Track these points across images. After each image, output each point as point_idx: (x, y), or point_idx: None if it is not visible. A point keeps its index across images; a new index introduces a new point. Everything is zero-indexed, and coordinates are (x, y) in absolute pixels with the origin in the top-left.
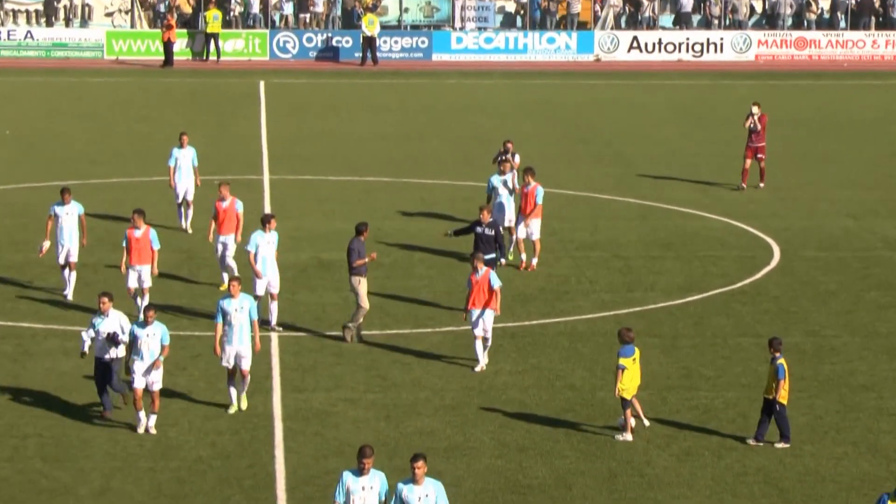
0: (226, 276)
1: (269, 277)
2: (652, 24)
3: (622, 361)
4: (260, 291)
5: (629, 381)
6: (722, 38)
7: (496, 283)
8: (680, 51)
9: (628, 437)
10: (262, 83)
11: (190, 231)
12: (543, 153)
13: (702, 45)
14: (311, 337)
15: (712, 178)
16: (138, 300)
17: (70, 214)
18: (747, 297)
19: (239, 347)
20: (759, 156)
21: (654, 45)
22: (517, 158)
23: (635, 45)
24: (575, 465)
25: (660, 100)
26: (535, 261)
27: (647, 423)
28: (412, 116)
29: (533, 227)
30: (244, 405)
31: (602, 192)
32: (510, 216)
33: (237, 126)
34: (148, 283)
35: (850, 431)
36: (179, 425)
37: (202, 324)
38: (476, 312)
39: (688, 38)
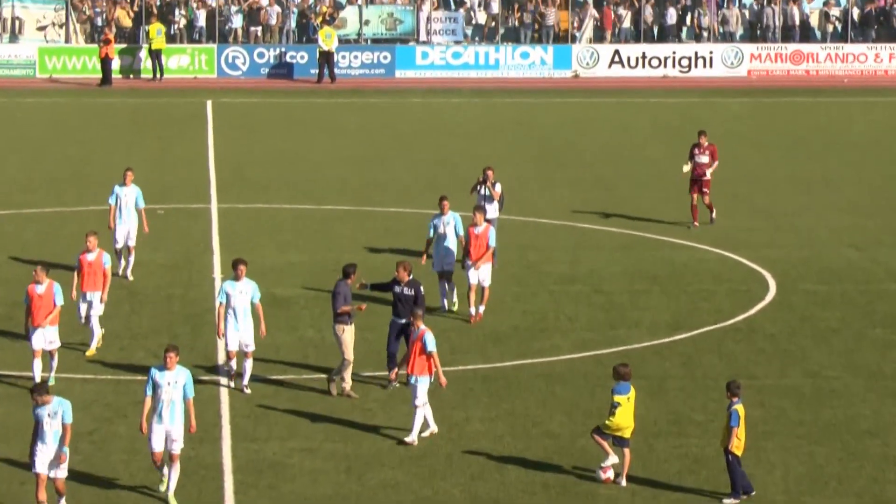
0: (94, 341)
1: (242, 333)
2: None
3: (617, 399)
4: (232, 346)
5: (622, 418)
6: (711, 52)
7: (431, 346)
8: (666, 66)
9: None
10: (209, 103)
11: (131, 278)
12: (518, 177)
13: (689, 59)
14: (263, 381)
15: (701, 205)
16: (36, 368)
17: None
18: (741, 334)
19: (169, 428)
20: (704, 190)
21: (637, 59)
22: (498, 187)
23: (617, 59)
24: None
25: (644, 119)
26: (482, 309)
27: (624, 483)
28: (374, 138)
29: (484, 273)
30: (172, 502)
31: (582, 221)
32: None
33: (182, 150)
34: (56, 344)
35: (854, 481)
36: (121, 477)
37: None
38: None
39: (674, 52)
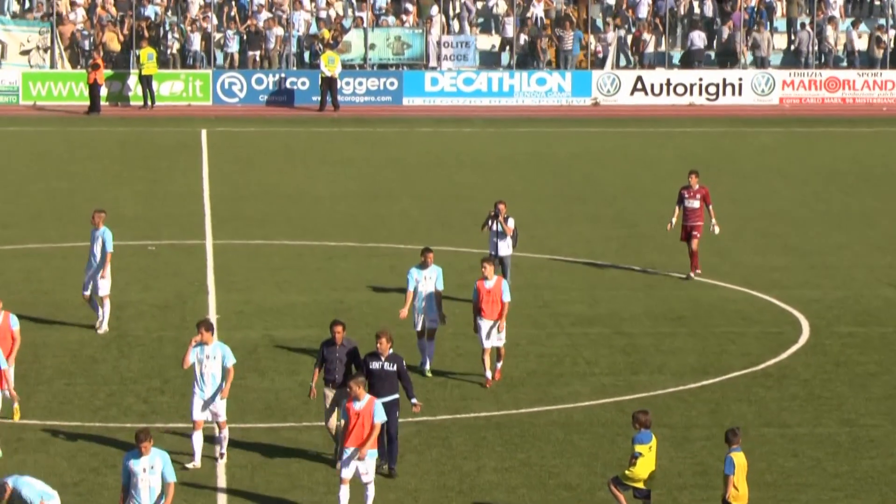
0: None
1: (212, 402)
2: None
3: (638, 448)
4: (198, 416)
5: (643, 469)
6: (741, 79)
7: (380, 417)
8: (692, 93)
9: None
10: (203, 132)
11: (101, 332)
12: (533, 212)
13: (717, 86)
14: (261, 429)
15: (731, 242)
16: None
17: None
18: (772, 380)
19: None
20: (695, 234)
21: (661, 86)
22: (511, 223)
23: (639, 86)
24: None
25: (668, 150)
26: (499, 365)
27: None
28: (380, 170)
29: (501, 333)
30: None
31: (602, 258)
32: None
33: (175, 182)
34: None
35: None
36: None
37: (133, 412)
38: (350, 451)
39: (700, 79)
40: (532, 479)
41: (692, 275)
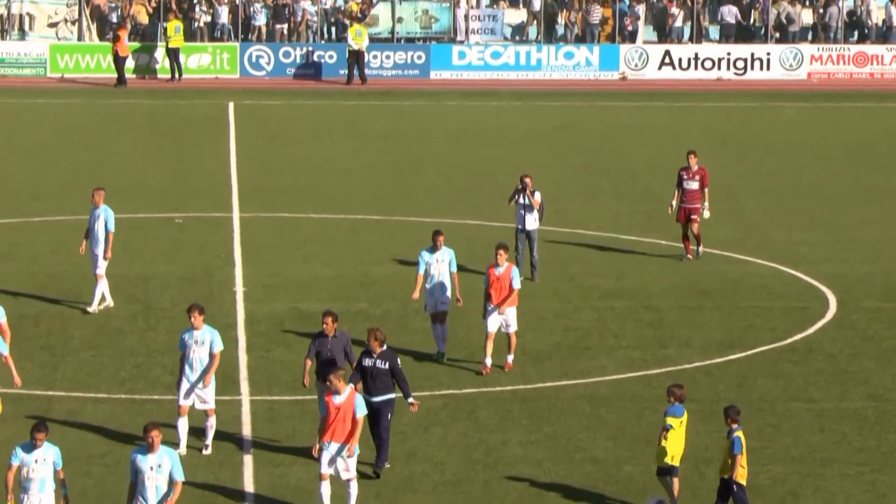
0: None
1: (197, 388)
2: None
3: (670, 420)
4: (184, 402)
5: (673, 443)
6: (769, 53)
7: (362, 411)
8: (720, 67)
9: None
10: (230, 105)
11: (90, 310)
12: (560, 186)
13: (745, 60)
14: (288, 401)
15: (758, 217)
16: None
17: None
18: (798, 355)
19: None
20: (693, 217)
21: (689, 60)
22: (538, 196)
23: (667, 60)
24: None
25: (696, 125)
26: (510, 358)
27: None
28: (406, 144)
29: (510, 318)
30: None
31: (628, 232)
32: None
33: (202, 155)
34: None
35: None
36: None
37: (159, 384)
38: (329, 445)
39: (728, 53)
40: (558, 452)
41: (688, 257)
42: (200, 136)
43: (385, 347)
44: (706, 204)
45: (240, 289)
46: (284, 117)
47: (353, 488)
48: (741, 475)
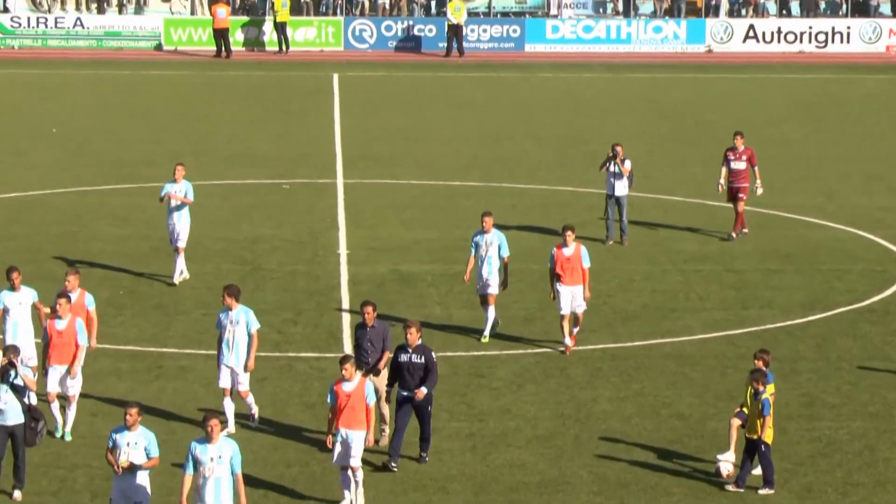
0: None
1: (234, 365)
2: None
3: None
4: (225, 383)
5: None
6: (849, 27)
7: (372, 398)
8: (802, 41)
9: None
10: (335, 76)
11: (176, 282)
12: (649, 154)
13: (826, 34)
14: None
15: (837, 183)
16: (59, 410)
17: (23, 304)
18: (876, 315)
19: None
20: (741, 196)
21: (772, 34)
22: (628, 164)
23: (751, 34)
24: (682, 502)
25: (779, 96)
26: (576, 330)
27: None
28: (502, 113)
29: (579, 299)
30: None
31: (713, 199)
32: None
33: (308, 124)
34: (75, 390)
35: None
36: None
37: (267, 341)
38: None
39: (810, 27)
40: (645, 408)
41: (734, 234)
42: (306, 106)
43: (421, 342)
44: (758, 182)
45: (343, 251)
46: (386, 88)
47: (359, 476)
48: (768, 435)
